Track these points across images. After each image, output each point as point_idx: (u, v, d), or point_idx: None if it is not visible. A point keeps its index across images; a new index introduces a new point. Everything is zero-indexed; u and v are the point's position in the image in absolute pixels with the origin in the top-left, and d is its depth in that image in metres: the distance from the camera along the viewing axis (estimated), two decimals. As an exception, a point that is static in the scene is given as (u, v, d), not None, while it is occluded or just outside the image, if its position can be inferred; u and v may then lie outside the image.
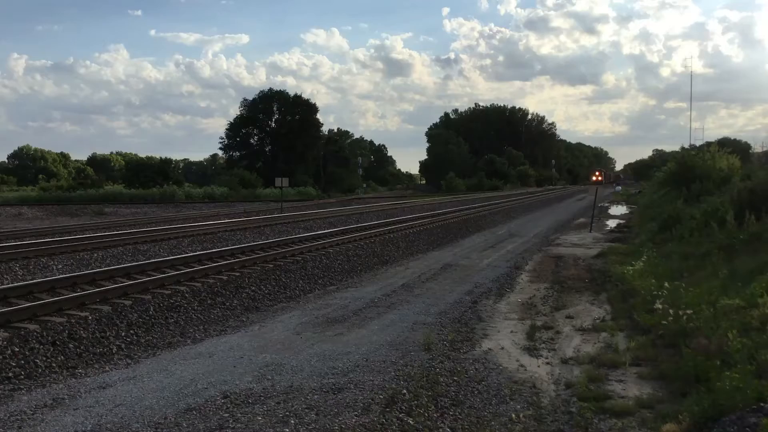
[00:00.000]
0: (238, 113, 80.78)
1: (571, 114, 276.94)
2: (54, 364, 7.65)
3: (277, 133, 78.91)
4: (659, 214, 23.20)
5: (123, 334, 8.87)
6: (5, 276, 12.06)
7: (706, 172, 24.79)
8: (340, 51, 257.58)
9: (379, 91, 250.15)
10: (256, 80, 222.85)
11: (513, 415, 6.15)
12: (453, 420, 6.05)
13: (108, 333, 8.74)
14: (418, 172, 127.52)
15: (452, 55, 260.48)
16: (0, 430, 5.67)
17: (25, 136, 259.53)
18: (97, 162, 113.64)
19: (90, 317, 8.93)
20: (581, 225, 29.56)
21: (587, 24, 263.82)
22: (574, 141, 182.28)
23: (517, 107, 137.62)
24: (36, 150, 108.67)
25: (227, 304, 11.04)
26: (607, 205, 48.72)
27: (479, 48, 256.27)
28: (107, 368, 7.71)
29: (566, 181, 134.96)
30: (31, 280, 11.19)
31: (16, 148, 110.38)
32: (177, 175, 73.53)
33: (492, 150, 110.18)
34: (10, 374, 7.18)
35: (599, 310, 10.91)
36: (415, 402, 6.32)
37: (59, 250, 15.08)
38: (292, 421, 5.78)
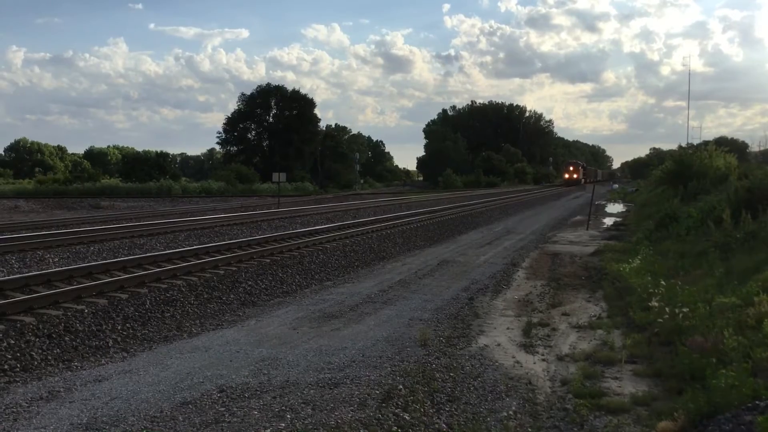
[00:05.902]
0: (236, 108, 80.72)
1: (570, 112, 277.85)
2: (50, 357, 7.64)
3: (275, 128, 78.83)
4: (656, 212, 23.22)
5: (119, 327, 8.86)
6: (1, 268, 12.01)
7: (703, 171, 24.86)
8: (340, 46, 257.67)
9: (379, 87, 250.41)
10: (256, 75, 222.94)
11: (508, 412, 6.16)
12: (449, 416, 6.05)
13: (104, 326, 8.73)
14: (415, 169, 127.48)
15: (452, 52, 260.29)
16: (-5, 423, 5.66)
17: (23, 128, 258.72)
18: (94, 155, 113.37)
19: (86, 310, 8.91)
20: (578, 222, 29.57)
21: (588, 22, 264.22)
22: (572, 139, 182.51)
23: (515, 104, 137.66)
24: (33, 143, 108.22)
25: (224, 298, 11.03)
26: (603, 203, 48.75)
27: (480, 45, 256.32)
28: (103, 361, 7.70)
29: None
30: (28, 272, 11.16)
31: (13, 141, 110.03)
32: (174, 169, 73.61)
33: (489, 147, 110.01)
34: (6, 367, 7.17)
35: (595, 307, 10.93)
36: (411, 398, 6.32)
37: (55, 243, 15.05)
38: (288, 416, 5.78)
